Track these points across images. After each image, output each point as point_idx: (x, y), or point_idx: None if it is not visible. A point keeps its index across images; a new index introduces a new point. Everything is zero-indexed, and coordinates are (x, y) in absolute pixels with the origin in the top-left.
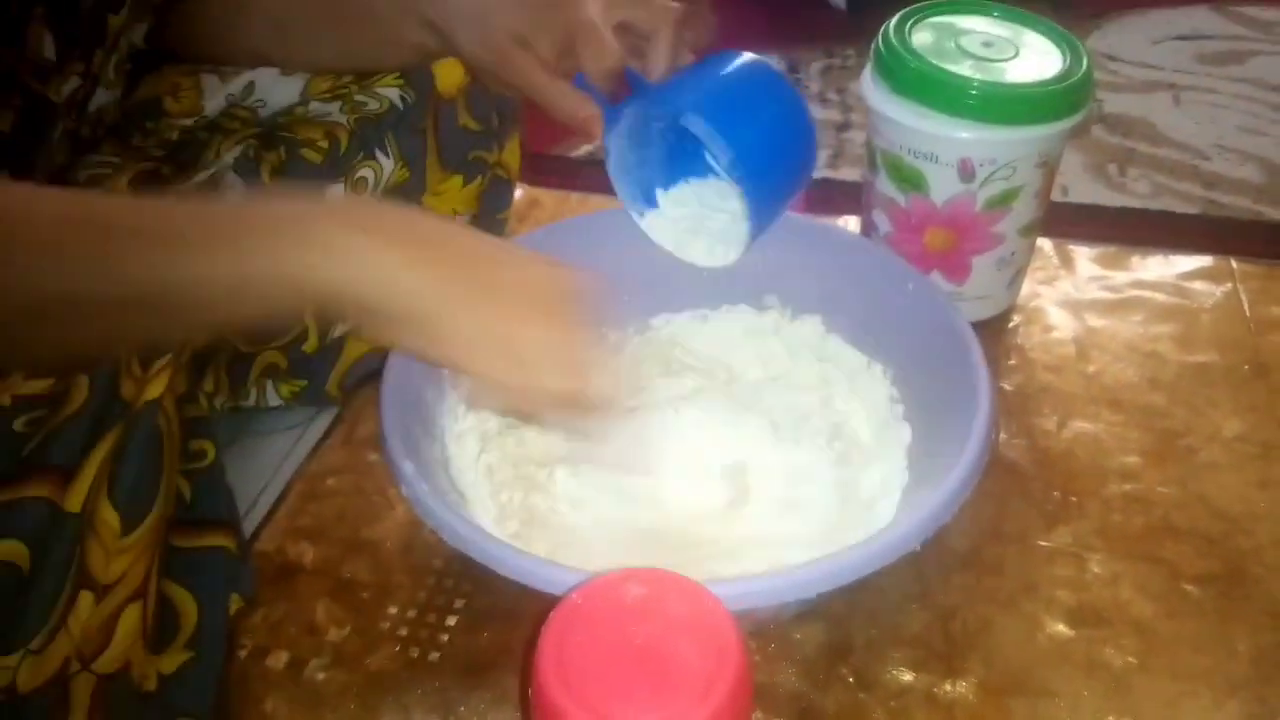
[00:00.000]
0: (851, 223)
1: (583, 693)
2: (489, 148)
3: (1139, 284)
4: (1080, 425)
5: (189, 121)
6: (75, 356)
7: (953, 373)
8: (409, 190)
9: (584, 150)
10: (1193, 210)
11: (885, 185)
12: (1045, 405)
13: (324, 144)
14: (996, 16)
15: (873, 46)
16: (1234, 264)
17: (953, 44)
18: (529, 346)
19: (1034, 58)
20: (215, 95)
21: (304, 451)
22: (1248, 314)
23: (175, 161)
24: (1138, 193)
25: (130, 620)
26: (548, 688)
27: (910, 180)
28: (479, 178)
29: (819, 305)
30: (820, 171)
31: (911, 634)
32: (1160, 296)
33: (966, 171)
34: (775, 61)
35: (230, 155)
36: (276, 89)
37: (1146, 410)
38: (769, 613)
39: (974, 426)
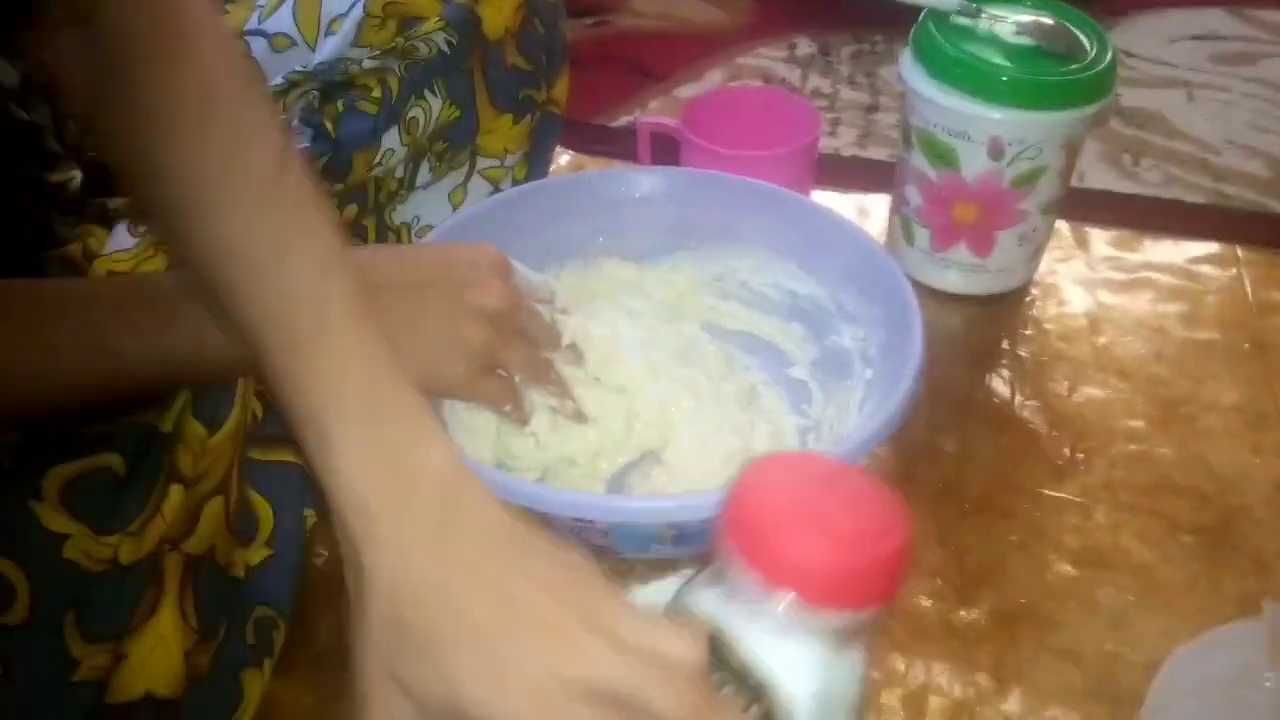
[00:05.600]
0: (880, 199)
1: (785, 513)
2: (538, 86)
3: (1149, 265)
4: (1090, 391)
5: None
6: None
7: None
8: (461, 129)
9: (624, 120)
10: (1202, 200)
11: (919, 161)
12: (1058, 372)
13: (378, 94)
14: (1029, 5)
15: (912, 33)
16: (1239, 251)
17: (987, 30)
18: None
19: None
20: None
21: None
22: (1250, 298)
23: None
24: (1150, 182)
25: (213, 510)
26: (748, 506)
27: (943, 156)
28: (529, 115)
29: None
30: (849, 150)
31: (929, 566)
32: (1169, 278)
33: (996, 150)
34: (807, 44)
35: (297, 106)
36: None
37: (1152, 379)
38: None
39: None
